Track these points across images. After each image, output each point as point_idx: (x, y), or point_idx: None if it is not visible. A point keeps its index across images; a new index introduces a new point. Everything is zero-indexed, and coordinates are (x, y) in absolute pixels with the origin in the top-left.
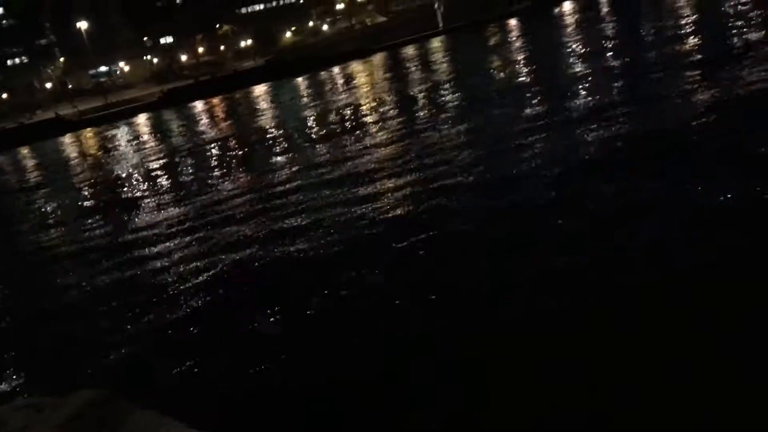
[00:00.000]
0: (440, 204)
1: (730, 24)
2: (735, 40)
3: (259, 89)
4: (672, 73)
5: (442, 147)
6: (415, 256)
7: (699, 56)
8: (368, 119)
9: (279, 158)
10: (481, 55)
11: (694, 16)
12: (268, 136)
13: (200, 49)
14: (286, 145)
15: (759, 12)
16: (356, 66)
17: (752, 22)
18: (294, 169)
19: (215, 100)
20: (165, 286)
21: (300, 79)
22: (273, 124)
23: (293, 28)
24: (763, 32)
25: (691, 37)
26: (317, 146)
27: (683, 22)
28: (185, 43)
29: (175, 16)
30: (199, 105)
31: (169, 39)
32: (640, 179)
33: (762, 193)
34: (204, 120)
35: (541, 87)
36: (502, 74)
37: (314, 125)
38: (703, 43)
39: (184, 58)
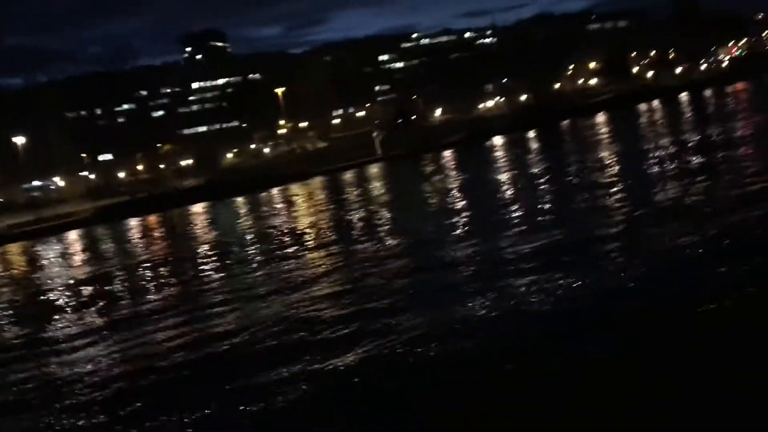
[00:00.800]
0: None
1: (644, 157)
2: (647, 169)
3: (197, 208)
4: (582, 197)
5: (371, 268)
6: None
7: (609, 188)
8: (301, 239)
9: (209, 275)
10: (415, 182)
11: (613, 154)
12: (200, 253)
13: (139, 167)
14: (217, 264)
15: (669, 156)
16: (295, 188)
17: (665, 166)
18: (224, 287)
19: (151, 218)
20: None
21: (239, 199)
22: (207, 242)
23: (235, 150)
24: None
25: (607, 170)
26: (249, 265)
27: (601, 156)
28: (125, 161)
29: (116, 134)
30: (133, 222)
31: (108, 156)
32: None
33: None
34: (137, 237)
35: (468, 210)
36: (433, 199)
37: (249, 244)
38: (617, 175)
39: (122, 174)
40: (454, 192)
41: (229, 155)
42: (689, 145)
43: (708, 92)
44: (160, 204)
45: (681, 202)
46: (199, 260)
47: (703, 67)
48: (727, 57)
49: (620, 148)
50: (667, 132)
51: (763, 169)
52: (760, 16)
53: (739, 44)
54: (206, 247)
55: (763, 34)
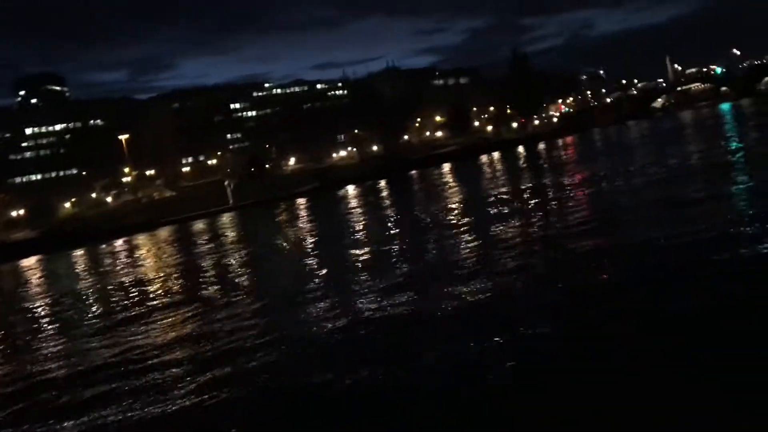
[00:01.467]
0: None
1: (484, 202)
2: (486, 211)
3: (29, 262)
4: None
5: (227, 327)
6: None
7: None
8: (142, 295)
9: (40, 341)
10: (268, 231)
11: (458, 200)
12: (28, 313)
13: None
14: (48, 327)
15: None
16: (141, 239)
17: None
18: (56, 348)
19: None
20: None
21: (78, 252)
22: (36, 298)
23: (73, 200)
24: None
25: (451, 213)
26: (84, 327)
27: (447, 202)
28: None
29: None
30: None
31: None
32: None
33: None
34: None
35: (319, 257)
36: (285, 245)
37: (84, 302)
38: (460, 216)
39: None
40: (308, 241)
41: (67, 205)
42: (523, 191)
43: (542, 145)
44: None
45: (513, 236)
46: (26, 326)
47: (537, 122)
48: (557, 113)
49: (464, 194)
50: (505, 181)
51: (584, 211)
52: (584, 77)
53: (567, 101)
54: (39, 307)
55: (588, 93)
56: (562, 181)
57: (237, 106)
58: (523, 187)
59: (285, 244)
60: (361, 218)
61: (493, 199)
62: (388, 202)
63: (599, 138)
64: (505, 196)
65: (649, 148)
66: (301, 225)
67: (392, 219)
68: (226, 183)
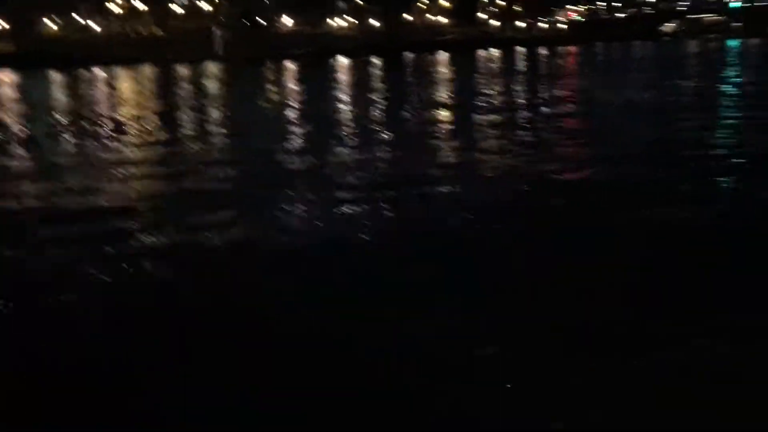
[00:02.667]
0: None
1: (479, 88)
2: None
3: (3, 76)
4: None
5: (199, 161)
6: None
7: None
8: (122, 127)
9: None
10: (252, 86)
11: (452, 83)
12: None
13: None
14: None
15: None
16: (122, 73)
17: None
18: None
19: None
20: None
21: (57, 75)
22: (13, 115)
23: (58, 20)
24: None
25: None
26: (62, 147)
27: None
28: None
29: None
30: None
31: None
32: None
33: None
34: None
35: (301, 120)
36: (267, 104)
37: (63, 123)
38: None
39: None
40: (294, 102)
41: (53, 25)
42: (513, 95)
43: (544, 50)
44: None
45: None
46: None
47: (544, 26)
48: (566, 20)
49: (455, 89)
50: (498, 81)
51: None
52: None
53: (578, 10)
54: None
55: (603, 4)
56: (554, 93)
57: None
58: (514, 91)
59: (266, 103)
60: (347, 94)
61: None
62: (378, 81)
63: (601, 53)
64: (492, 97)
65: (648, 72)
66: (286, 88)
67: (377, 100)
68: (216, 31)
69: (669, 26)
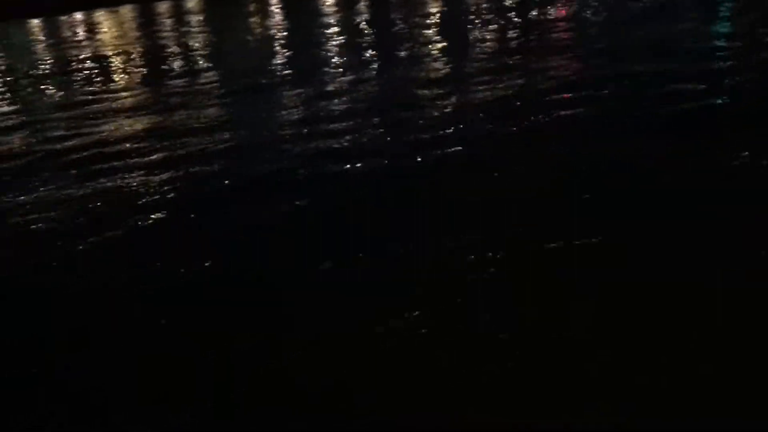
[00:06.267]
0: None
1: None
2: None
3: None
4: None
5: (191, 101)
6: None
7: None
8: (110, 73)
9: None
10: (235, 22)
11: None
12: None
13: None
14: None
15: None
16: (102, 15)
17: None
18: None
19: None
20: None
21: (35, 21)
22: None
23: None
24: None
25: (429, 30)
26: (48, 91)
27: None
28: None
29: None
30: None
31: None
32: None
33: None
34: None
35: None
36: (252, 40)
37: (47, 71)
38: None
39: None
40: (277, 36)
41: None
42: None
43: None
44: None
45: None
46: None
47: None
48: None
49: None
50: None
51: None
52: None
53: None
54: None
55: None
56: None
57: None
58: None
59: (252, 36)
60: (334, 22)
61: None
62: (366, 5)
63: None
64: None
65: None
66: (271, 19)
67: (367, 25)
68: None
69: None
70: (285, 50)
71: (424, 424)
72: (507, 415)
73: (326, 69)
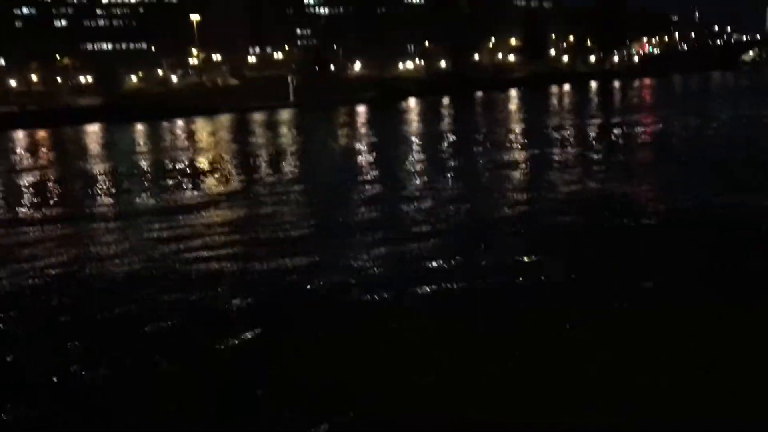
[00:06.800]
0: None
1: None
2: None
3: (92, 128)
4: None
5: (273, 212)
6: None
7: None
8: (203, 177)
9: (101, 200)
10: (325, 132)
11: (518, 127)
12: (90, 176)
13: (34, 77)
14: (109, 188)
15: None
16: (201, 122)
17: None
18: (115, 212)
19: (41, 132)
20: None
21: (139, 126)
22: (98, 164)
23: (140, 74)
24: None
25: (513, 143)
26: (144, 194)
27: (507, 131)
28: (17, 69)
29: (11, 39)
30: (20, 134)
31: (0, 61)
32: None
33: None
34: (23, 151)
35: (374, 169)
36: (341, 151)
37: (145, 173)
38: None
39: (13, 83)
40: (362, 151)
41: (134, 78)
42: (589, 134)
43: (617, 83)
44: (51, 119)
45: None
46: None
47: (616, 59)
48: (640, 52)
49: (528, 125)
50: (571, 117)
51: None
52: (676, 18)
53: (653, 42)
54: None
55: (676, 35)
56: (632, 127)
57: (310, 1)
58: (590, 128)
59: (338, 149)
60: (418, 139)
61: (556, 134)
62: (448, 123)
63: (679, 85)
64: (568, 136)
65: (728, 105)
66: (358, 134)
67: (447, 146)
68: (289, 79)
69: (750, 54)
70: (368, 165)
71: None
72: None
73: (405, 183)
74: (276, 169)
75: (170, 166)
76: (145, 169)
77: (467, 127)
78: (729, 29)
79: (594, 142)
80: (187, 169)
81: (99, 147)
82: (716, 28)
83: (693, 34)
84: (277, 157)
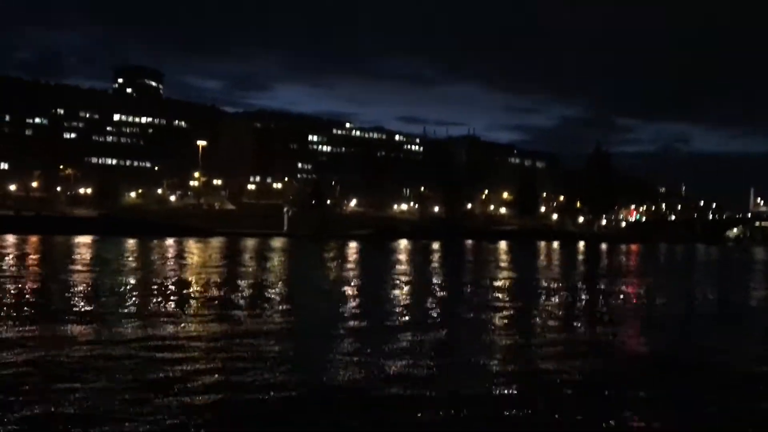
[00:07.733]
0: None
1: (533, 289)
2: (533, 299)
3: (84, 239)
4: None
5: (252, 335)
6: None
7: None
8: (187, 298)
9: (75, 315)
10: (314, 263)
11: (513, 274)
12: (69, 288)
13: (34, 184)
14: (87, 306)
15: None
16: (192, 243)
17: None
18: (90, 332)
19: (33, 238)
20: None
21: (131, 241)
22: (83, 277)
23: (139, 191)
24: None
25: (499, 291)
26: (124, 311)
27: (493, 286)
28: (20, 174)
29: (19, 146)
30: (10, 238)
31: (3, 165)
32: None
33: None
34: (8, 255)
35: (355, 304)
36: (327, 281)
37: (127, 290)
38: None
39: (12, 187)
40: (350, 282)
41: (133, 194)
42: (577, 288)
43: (604, 246)
44: (45, 226)
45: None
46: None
47: (604, 222)
48: (628, 218)
49: (513, 279)
50: (558, 274)
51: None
52: (662, 189)
53: (640, 209)
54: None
55: (663, 205)
56: (615, 288)
57: (314, 138)
58: (576, 286)
59: (326, 283)
60: (407, 277)
61: (540, 287)
62: (436, 266)
63: (665, 254)
64: (554, 289)
65: (712, 279)
66: (346, 268)
67: (435, 286)
68: (285, 209)
69: (734, 231)
70: (355, 299)
71: None
72: None
73: (392, 321)
74: (255, 305)
75: (145, 288)
76: (120, 288)
77: (452, 278)
78: (714, 205)
79: (578, 312)
80: (159, 297)
81: (83, 258)
82: (702, 203)
83: (679, 207)
84: (259, 289)
